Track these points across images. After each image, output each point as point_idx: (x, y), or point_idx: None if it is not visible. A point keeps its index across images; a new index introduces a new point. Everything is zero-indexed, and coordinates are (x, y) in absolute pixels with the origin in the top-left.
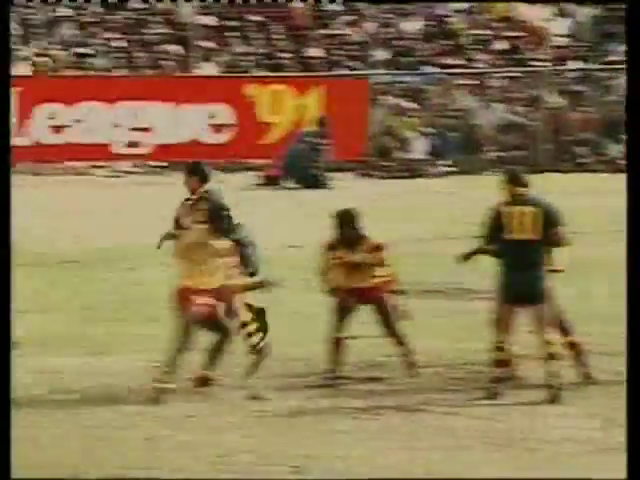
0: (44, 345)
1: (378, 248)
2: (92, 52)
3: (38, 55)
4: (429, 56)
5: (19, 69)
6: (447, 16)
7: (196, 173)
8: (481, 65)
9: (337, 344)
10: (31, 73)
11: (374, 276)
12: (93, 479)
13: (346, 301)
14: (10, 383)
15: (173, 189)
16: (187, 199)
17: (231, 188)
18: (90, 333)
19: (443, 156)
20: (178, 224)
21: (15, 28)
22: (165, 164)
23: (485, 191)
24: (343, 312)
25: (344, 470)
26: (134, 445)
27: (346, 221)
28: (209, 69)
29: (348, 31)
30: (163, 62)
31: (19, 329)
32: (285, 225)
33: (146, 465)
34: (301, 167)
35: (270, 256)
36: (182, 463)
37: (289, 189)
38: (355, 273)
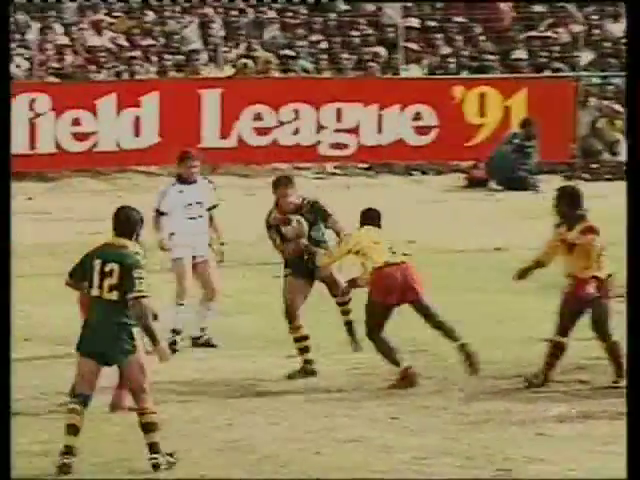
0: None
1: (592, 230)
2: (297, 54)
3: (242, 57)
4: None
5: (225, 71)
6: None
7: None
8: None
9: (557, 348)
10: (235, 75)
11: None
12: (93, 479)
13: (585, 294)
14: (10, 384)
15: (377, 191)
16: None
17: (434, 189)
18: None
19: None
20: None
21: (220, 30)
22: (367, 165)
23: None
24: (580, 306)
25: (553, 474)
26: (339, 447)
27: (569, 199)
28: (414, 71)
29: (553, 32)
30: (368, 64)
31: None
32: (490, 227)
33: (350, 466)
34: (507, 169)
35: (473, 258)
36: (381, 464)
37: (494, 191)
38: (579, 258)
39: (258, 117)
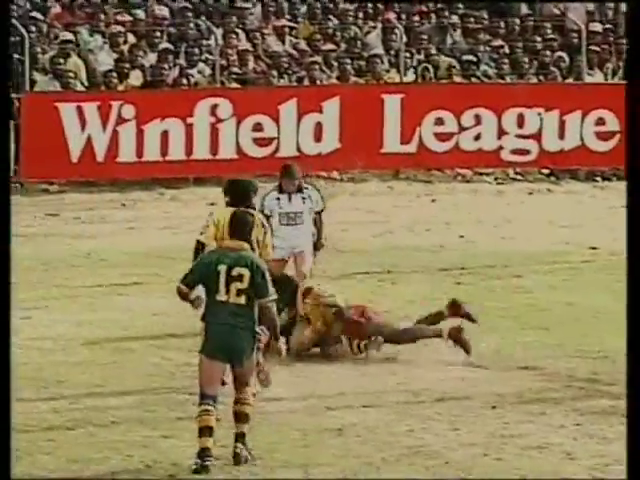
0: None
1: None
2: (478, 59)
3: (423, 62)
4: None
5: (407, 77)
6: None
7: None
8: None
9: None
10: (417, 81)
11: None
12: (94, 479)
13: None
14: (10, 383)
15: (560, 197)
16: None
17: (617, 196)
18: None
19: None
20: None
21: (402, 35)
22: (548, 172)
23: None
24: None
25: None
26: (521, 454)
27: None
28: (597, 76)
29: None
30: (550, 69)
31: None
32: None
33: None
34: None
35: None
36: (564, 471)
37: None
38: None
39: (439, 122)
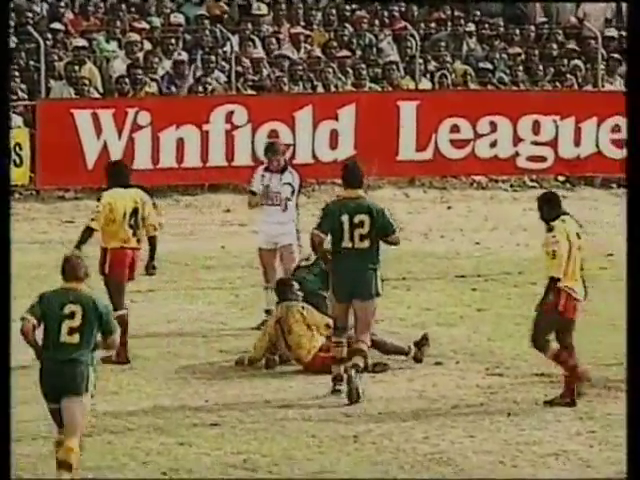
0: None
1: None
2: (494, 66)
3: (439, 69)
4: None
5: (422, 84)
6: None
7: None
8: None
9: None
10: (432, 88)
11: None
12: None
13: None
14: (10, 383)
15: (576, 203)
16: None
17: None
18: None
19: None
20: None
21: (417, 42)
22: (564, 178)
23: None
24: None
25: None
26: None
27: None
28: (617, 83)
29: None
30: (566, 76)
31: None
32: None
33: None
34: None
35: None
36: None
37: None
38: None
39: (455, 129)
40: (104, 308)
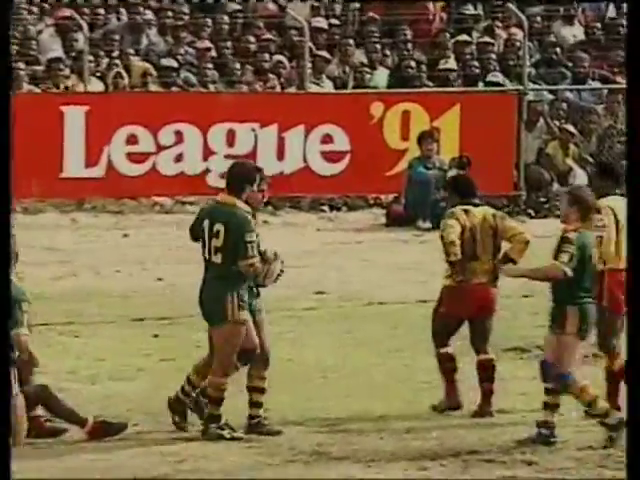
0: None
1: None
2: (179, 64)
3: (113, 67)
4: (594, 68)
5: (92, 85)
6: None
7: None
8: None
9: None
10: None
11: None
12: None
13: None
14: (10, 384)
15: (278, 230)
16: None
17: (346, 228)
18: None
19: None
20: None
21: (84, 37)
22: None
23: None
24: None
25: None
26: None
27: None
28: (325, 84)
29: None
30: (266, 75)
31: None
32: (414, 275)
33: None
34: (427, 203)
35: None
36: None
37: (422, 230)
38: None
39: (132, 140)
40: None
